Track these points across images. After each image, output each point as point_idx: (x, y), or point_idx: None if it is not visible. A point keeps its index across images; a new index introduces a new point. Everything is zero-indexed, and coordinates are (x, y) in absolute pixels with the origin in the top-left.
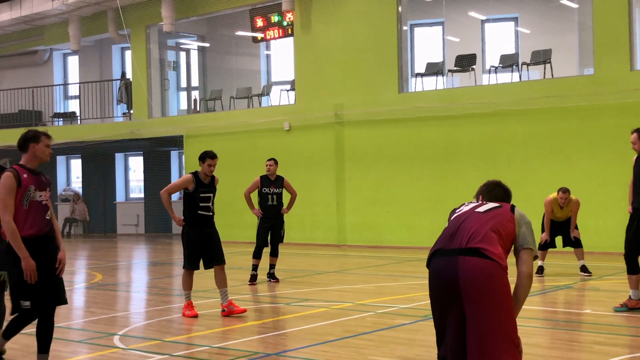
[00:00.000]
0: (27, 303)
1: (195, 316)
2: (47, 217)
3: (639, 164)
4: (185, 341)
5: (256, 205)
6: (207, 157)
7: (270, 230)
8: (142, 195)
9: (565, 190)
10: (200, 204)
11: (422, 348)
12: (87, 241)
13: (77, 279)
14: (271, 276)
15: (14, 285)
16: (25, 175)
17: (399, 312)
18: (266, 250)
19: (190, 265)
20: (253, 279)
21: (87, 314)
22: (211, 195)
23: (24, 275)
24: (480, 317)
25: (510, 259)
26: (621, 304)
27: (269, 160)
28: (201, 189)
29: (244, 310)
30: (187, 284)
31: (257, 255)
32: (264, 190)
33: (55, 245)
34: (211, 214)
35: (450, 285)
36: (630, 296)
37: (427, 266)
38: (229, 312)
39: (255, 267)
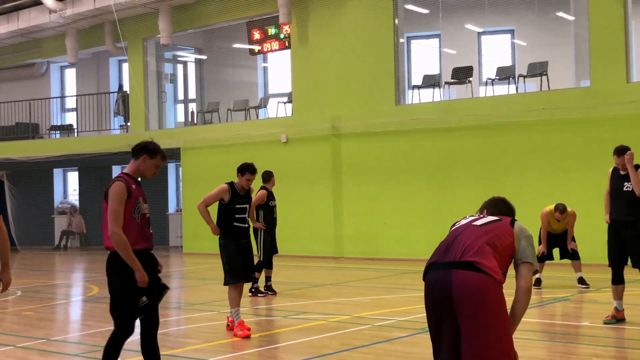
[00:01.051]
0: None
1: (248, 337)
2: (151, 231)
3: (615, 176)
4: (182, 354)
5: (260, 219)
6: (248, 171)
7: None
8: None
9: (562, 211)
10: (236, 216)
11: None
12: (84, 254)
13: (73, 292)
14: (269, 288)
15: (116, 299)
16: (134, 186)
17: (397, 325)
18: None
19: (233, 279)
20: (271, 289)
21: (84, 327)
22: (247, 206)
23: (128, 289)
24: (474, 330)
25: (511, 272)
26: (610, 317)
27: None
28: (237, 200)
29: (248, 335)
30: (235, 301)
31: (270, 265)
32: (271, 203)
33: (156, 259)
34: (247, 225)
35: (443, 299)
36: (616, 307)
37: (423, 279)
38: (233, 327)
39: (269, 278)
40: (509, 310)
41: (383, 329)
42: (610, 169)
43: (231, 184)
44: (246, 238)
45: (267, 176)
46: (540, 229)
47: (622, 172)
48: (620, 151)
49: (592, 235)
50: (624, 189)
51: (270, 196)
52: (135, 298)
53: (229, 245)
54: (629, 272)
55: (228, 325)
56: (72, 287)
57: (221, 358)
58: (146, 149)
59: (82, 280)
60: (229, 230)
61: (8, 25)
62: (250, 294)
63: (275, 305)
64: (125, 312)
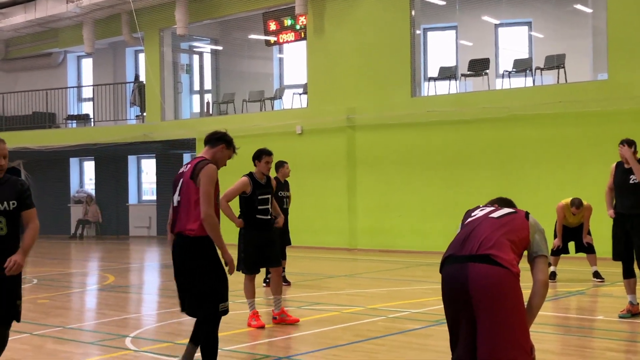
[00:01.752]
0: (227, 304)
1: (262, 327)
2: None
3: (620, 170)
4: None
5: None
6: (264, 154)
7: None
8: (154, 197)
9: (578, 206)
10: (259, 207)
11: (433, 353)
12: (100, 243)
13: (89, 280)
14: (283, 279)
15: (213, 288)
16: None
17: (411, 317)
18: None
19: (248, 271)
20: (285, 280)
21: (99, 316)
22: (269, 197)
23: (221, 274)
24: (491, 323)
25: (524, 265)
26: (625, 310)
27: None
28: (259, 191)
29: (297, 320)
30: (250, 292)
31: (283, 256)
32: (281, 193)
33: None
34: (270, 217)
35: (460, 292)
36: (630, 301)
37: (440, 272)
38: (281, 320)
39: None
40: (525, 304)
41: (397, 321)
42: (614, 165)
43: (250, 175)
44: (269, 230)
45: (277, 166)
46: (556, 222)
47: (626, 166)
48: (626, 143)
49: (607, 229)
50: (630, 182)
51: (281, 186)
52: (223, 281)
53: (248, 236)
54: None
55: (275, 318)
56: (87, 276)
57: (235, 347)
58: (224, 139)
59: (98, 269)
60: (252, 223)
61: (26, 14)
62: (264, 285)
63: (289, 296)
64: (222, 295)
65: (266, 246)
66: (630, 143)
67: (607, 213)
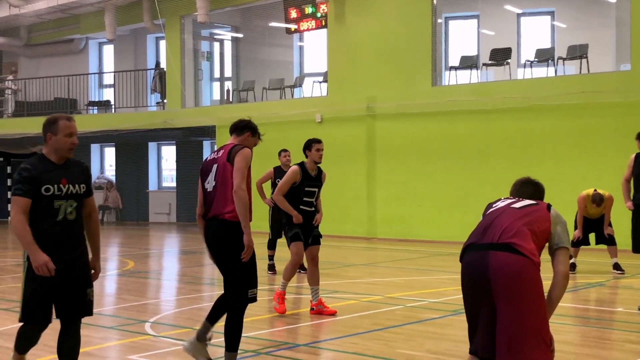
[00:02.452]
0: (256, 291)
1: (283, 313)
2: None
3: (638, 161)
4: (215, 329)
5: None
6: (313, 142)
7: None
8: (174, 184)
9: (599, 203)
10: (304, 199)
11: (451, 343)
12: (120, 229)
13: (109, 266)
14: (301, 267)
15: (246, 273)
16: None
17: (429, 306)
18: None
19: (296, 238)
20: (272, 268)
21: (119, 301)
22: (316, 190)
23: (253, 260)
24: (510, 312)
25: (545, 256)
26: None
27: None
28: (307, 182)
29: (334, 312)
30: (289, 274)
31: (272, 246)
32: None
33: None
34: (313, 209)
35: (480, 281)
36: None
37: (460, 260)
38: (318, 311)
39: (271, 257)
40: (545, 294)
41: (415, 310)
42: (633, 156)
43: (302, 165)
44: (308, 221)
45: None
46: (577, 213)
47: None
48: None
49: (627, 220)
50: None
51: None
52: (255, 267)
53: (289, 224)
54: None
55: (312, 309)
56: (108, 261)
57: (254, 334)
58: (250, 127)
59: (118, 255)
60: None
61: (48, 1)
62: (269, 272)
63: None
64: (253, 281)
65: (308, 228)
66: None
67: (625, 205)
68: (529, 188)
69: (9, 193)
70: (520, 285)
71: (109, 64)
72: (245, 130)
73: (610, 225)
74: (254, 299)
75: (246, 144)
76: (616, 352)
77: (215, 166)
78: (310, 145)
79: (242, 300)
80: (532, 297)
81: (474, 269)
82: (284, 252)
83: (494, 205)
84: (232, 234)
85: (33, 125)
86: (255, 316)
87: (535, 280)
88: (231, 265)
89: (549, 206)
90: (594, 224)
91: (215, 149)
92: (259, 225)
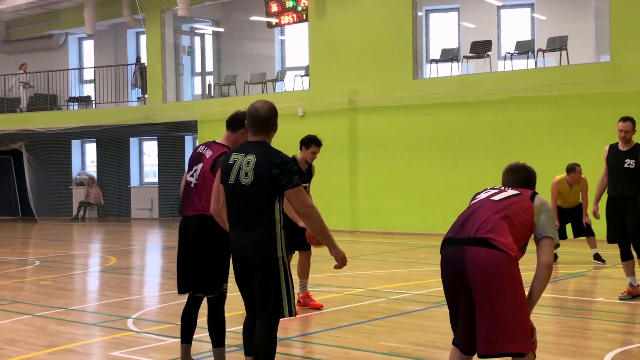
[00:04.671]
0: (226, 285)
1: (321, 305)
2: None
3: (614, 152)
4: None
5: None
6: (313, 143)
7: None
8: (156, 179)
9: (572, 169)
10: None
11: (434, 334)
12: (102, 225)
13: (91, 262)
14: None
15: (220, 266)
16: None
17: (411, 299)
18: None
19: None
20: None
21: (101, 297)
22: (307, 184)
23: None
24: (488, 306)
25: (532, 247)
26: (625, 293)
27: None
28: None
29: (321, 306)
30: (300, 272)
31: None
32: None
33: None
34: None
35: (458, 275)
36: (630, 283)
37: (440, 253)
38: (305, 304)
39: None
40: (527, 286)
41: (398, 302)
42: (607, 147)
43: (294, 159)
44: None
45: None
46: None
47: (621, 148)
48: (627, 117)
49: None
50: (625, 165)
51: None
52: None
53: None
54: None
55: (299, 301)
56: (90, 258)
57: (236, 329)
58: (244, 123)
59: (100, 251)
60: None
61: None
62: None
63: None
64: (226, 275)
65: (295, 230)
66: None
67: (603, 195)
68: (512, 175)
69: None
70: (496, 279)
71: (89, 59)
72: (240, 126)
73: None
74: (225, 293)
75: (240, 141)
76: (597, 341)
77: (200, 166)
78: (309, 144)
79: (215, 290)
80: (509, 290)
81: (451, 264)
82: None
83: (477, 197)
84: (213, 229)
85: (13, 122)
86: (238, 311)
87: (512, 274)
88: (214, 260)
89: (533, 195)
90: (569, 214)
91: (202, 143)
92: None
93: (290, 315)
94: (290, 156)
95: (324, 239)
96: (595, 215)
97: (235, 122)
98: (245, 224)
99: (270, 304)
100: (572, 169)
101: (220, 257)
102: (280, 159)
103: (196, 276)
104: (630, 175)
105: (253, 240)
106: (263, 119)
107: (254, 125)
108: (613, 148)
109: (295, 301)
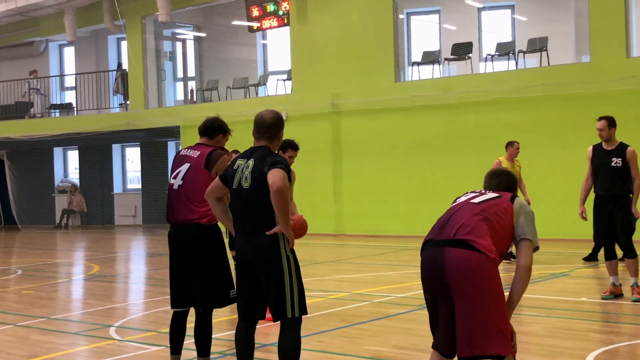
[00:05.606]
0: (235, 291)
1: None
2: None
3: (598, 151)
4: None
5: None
6: (290, 147)
7: None
8: (139, 186)
9: (510, 144)
10: None
11: (417, 337)
12: (85, 232)
13: (74, 270)
14: None
15: (223, 274)
16: None
17: (395, 302)
18: None
19: None
20: None
21: (84, 306)
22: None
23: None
24: (468, 308)
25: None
26: (608, 292)
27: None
28: None
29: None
30: None
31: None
32: None
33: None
34: None
35: (437, 277)
36: (613, 283)
37: (421, 255)
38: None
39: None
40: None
41: (382, 306)
42: (590, 148)
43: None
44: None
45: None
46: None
47: (606, 147)
48: (605, 117)
49: (590, 211)
50: (612, 164)
51: None
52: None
53: None
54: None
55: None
56: (73, 266)
57: (219, 335)
58: (221, 130)
59: (83, 259)
60: None
61: (6, 3)
62: None
63: None
64: (231, 280)
65: None
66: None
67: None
68: (494, 179)
69: None
70: (476, 280)
71: (70, 66)
72: (217, 133)
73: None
74: (235, 299)
75: (219, 145)
76: (580, 342)
77: (187, 165)
78: (287, 148)
79: (225, 301)
80: (488, 292)
81: (431, 266)
82: None
83: (457, 200)
84: (212, 238)
85: None
86: (220, 317)
87: (491, 276)
88: (212, 270)
89: (512, 197)
90: None
91: (186, 146)
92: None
93: (302, 313)
94: None
95: (282, 217)
96: (582, 216)
97: (211, 130)
98: (249, 228)
99: (283, 304)
100: (510, 143)
101: (220, 268)
102: (272, 159)
103: (195, 291)
104: (618, 173)
105: (258, 243)
106: (266, 125)
107: (258, 132)
108: (597, 148)
109: (305, 299)
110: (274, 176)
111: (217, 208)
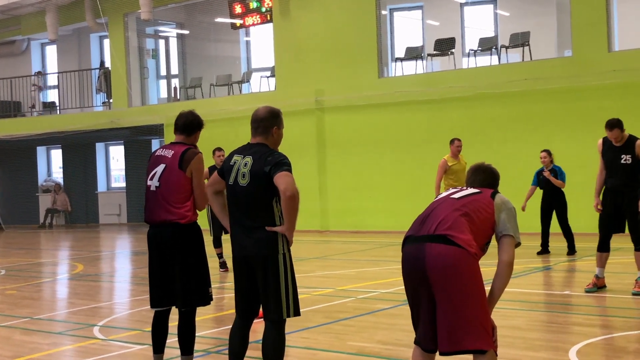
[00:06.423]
0: (211, 289)
1: None
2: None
3: (608, 147)
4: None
5: None
6: (215, 149)
7: None
8: (123, 184)
9: (451, 142)
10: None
11: (402, 333)
12: (69, 232)
13: (58, 270)
14: (223, 265)
15: (204, 271)
16: None
17: (380, 297)
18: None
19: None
20: (223, 266)
21: (68, 305)
22: None
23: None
24: (448, 303)
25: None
26: (591, 285)
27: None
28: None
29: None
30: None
31: (218, 243)
32: None
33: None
34: None
35: (418, 272)
36: (596, 275)
37: (402, 251)
38: None
39: (220, 255)
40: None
41: (366, 301)
42: (600, 140)
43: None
44: None
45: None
46: (438, 179)
47: (616, 144)
48: (612, 125)
49: (575, 204)
50: (622, 161)
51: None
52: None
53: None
54: (615, 242)
55: None
56: (57, 265)
57: (203, 333)
58: (201, 126)
59: (67, 258)
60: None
61: None
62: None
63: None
64: (209, 284)
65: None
66: (614, 124)
67: (573, 188)
68: (479, 175)
69: None
70: (456, 275)
71: (52, 64)
72: (195, 130)
73: None
74: (212, 297)
75: (195, 142)
76: (563, 335)
77: (162, 167)
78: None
79: (207, 300)
80: (469, 287)
81: (411, 262)
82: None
83: (438, 196)
84: (191, 237)
85: None
86: (204, 315)
87: (471, 271)
88: (193, 269)
89: (494, 194)
90: None
91: (161, 146)
92: (203, 223)
93: (295, 315)
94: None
95: (289, 221)
96: (597, 208)
97: (192, 127)
98: (246, 225)
99: (274, 303)
100: (452, 141)
101: (200, 267)
102: (273, 157)
103: (174, 290)
104: (627, 170)
105: (255, 240)
106: (259, 119)
107: (253, 127)
108: (607, 142)
109: (299, 301)
110: (286, 182)
111: (216, 202)
